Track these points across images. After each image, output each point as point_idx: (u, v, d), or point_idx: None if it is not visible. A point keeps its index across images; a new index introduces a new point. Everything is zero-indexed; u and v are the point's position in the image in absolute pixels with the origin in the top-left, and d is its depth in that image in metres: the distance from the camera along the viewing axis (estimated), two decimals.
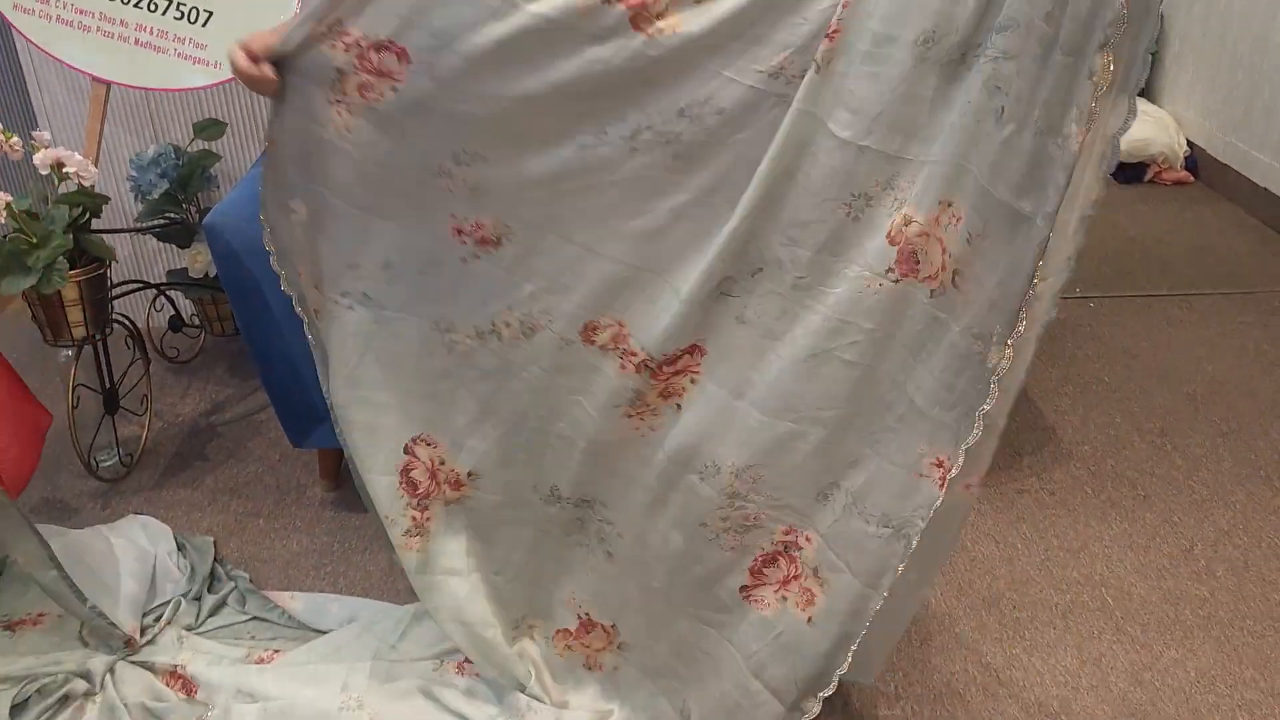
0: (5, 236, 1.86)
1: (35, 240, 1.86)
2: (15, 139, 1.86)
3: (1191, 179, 3.75)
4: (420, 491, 1.51)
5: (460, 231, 1.37)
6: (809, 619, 1.36)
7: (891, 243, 1.23)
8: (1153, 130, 3.73)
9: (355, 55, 1.28)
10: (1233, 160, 3.56)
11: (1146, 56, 1.16)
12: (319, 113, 1.32)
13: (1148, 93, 4.07)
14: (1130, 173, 3.74)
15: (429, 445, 1.49)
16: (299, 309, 1.47)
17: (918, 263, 1.22)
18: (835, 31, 1.18)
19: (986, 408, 1.23)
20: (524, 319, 1.39)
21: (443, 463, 1.50)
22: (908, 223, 1.22)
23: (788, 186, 1.25)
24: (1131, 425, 2.33)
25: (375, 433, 1.49)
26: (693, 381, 1.36)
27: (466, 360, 1.44)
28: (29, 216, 1.86)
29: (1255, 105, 3.43)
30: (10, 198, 1.84)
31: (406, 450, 1.49)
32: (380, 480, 1.50)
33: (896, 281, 1.23)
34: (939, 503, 1.27)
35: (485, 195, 1.34)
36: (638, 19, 1.20)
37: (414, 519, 1.51)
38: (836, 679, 1.37)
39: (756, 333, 1.31)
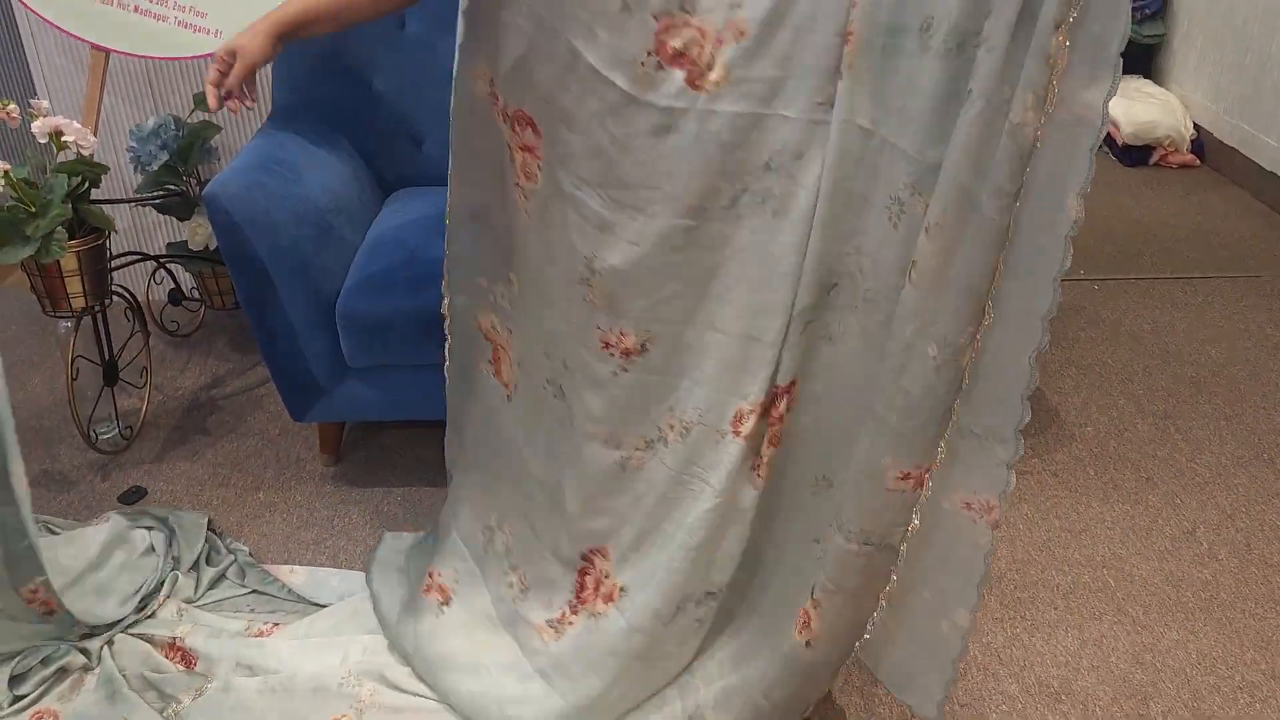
0: (4, 206, 1.84)
1: (34, 209, 1.84)
2: (13, 106, 1.84)
3: (1198, 162, 3.72)
4: (582, 595, 1.50)
5: (608, 345, 1.37)
6: (807, 643, 1.36)
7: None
8: (1159, 113, 3.70)
9: (511, 126, 1.32)
10: (1240, 144, 3.54)
11: (1118, 57, 1.02)
12: (509, 193, 1.38)
13: (1154, 74, 4.04)
14: (1136, 155, 3.72)
15: (604, 557, 1.48)
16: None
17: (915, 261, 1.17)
18: (850, 33, 1.16)
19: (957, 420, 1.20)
20: (683, 418, 1.37)
21: (608, 575, 1.48)
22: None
23: (846, 200, 1.23)
24: (1134, 408, 2.32)
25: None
26: (789, 409, 1.35)
27: (640, 474, 1.42)
28: (28, 185, 1.85)
29: (1264, 87, 3.40)
30: (9, 166, 1.82)
31: (584, 557, 1.49)
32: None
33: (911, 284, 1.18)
34: (917, 514, 1.25)
35: (622, 302, 1.34)
36: (693, 78, 1.20)
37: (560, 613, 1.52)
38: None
39: (843, 350, 1.30)
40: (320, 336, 1.92)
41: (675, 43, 1.19)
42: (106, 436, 2.17)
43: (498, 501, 1.65)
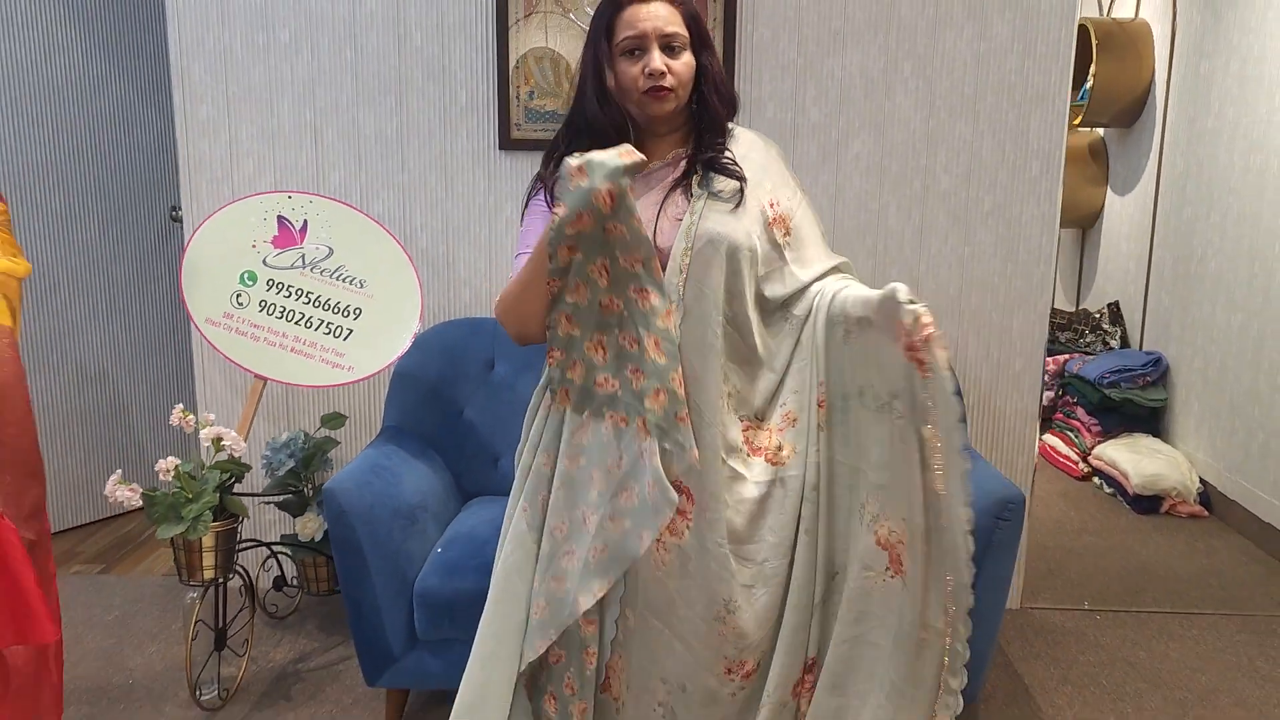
0: (169, 492, 2.35)
1: (190, 496, 2.35)
2: (192, 416, 2.40)
3: (1206, 513, 4.03)
4: None
5: (730, 670, 1.78)
6: None
7: (880, 546, 1.67)
8: (1164, 467, 4.07)
9: None
10: (1240, 498, 3.86)
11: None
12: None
13: (1162, 434, 4.46)
14: (1146, 504, 4.05)
15: None
16: None
17: (902, 564, 1.65)
18: (822, 401, 1.75)
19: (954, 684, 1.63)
20: (769, 703, 1.77)
21: None
22: (890, 533, 1.66)
23: (839, 513, 1.75)
24: None
25: None
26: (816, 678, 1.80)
27: None
28: (190, 478, 2.36)
29: (1253, 448, 3.78)
30: (179, 461, 2.35)
31: None
32: None
33: (893, 577, 1.66)
34: None
35: (748, 636, 1.76)
36: (770, 458, 1.79)
37: None
38: None
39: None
40: (399, 611, 2.31)
41: (755, 439, 1.77)
42: (207, 697, 2.53)
43: None
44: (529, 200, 1.87)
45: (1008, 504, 2.20)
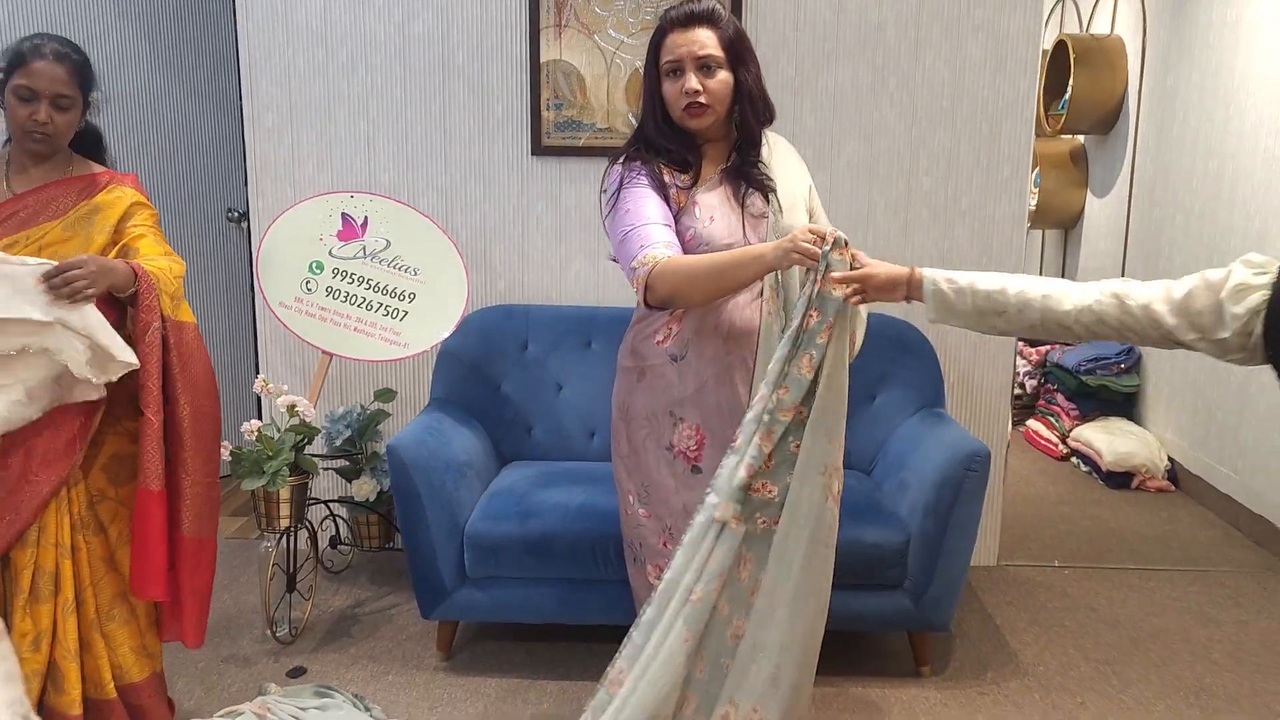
0: (253, 450, 2.72)
1: (270, 454, 2.71)
2: (272, 385, 2.77)
3: (1173, 488, 4.39)
4: None
5: None
6: None
7: None
8: (1135, 445, 4.43)
9: None
10: (1202, 472, 4.22)
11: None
12: None
13: (1134, 416, 4.82)
14: (1118, 479, 4.41)
15: None
16: None
17: None
18: None
19: None
20: None
21: None
22: None
23: None
24: (1081, 655, 2.89)
25: None
26: None
27: None
28: (269, 439, 2.73)
29: (1212, 426, 4.14)
30: (260, 424, 2.72)
31: None
32: None
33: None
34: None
35: None
36: None
37: None
38: None
39: None
40: (451, 552, 2.68)
41: None
42: (281, 633, 2.90)
43: None
44: (627, 178, 2.07)
45: (975, 456, 2.57)
